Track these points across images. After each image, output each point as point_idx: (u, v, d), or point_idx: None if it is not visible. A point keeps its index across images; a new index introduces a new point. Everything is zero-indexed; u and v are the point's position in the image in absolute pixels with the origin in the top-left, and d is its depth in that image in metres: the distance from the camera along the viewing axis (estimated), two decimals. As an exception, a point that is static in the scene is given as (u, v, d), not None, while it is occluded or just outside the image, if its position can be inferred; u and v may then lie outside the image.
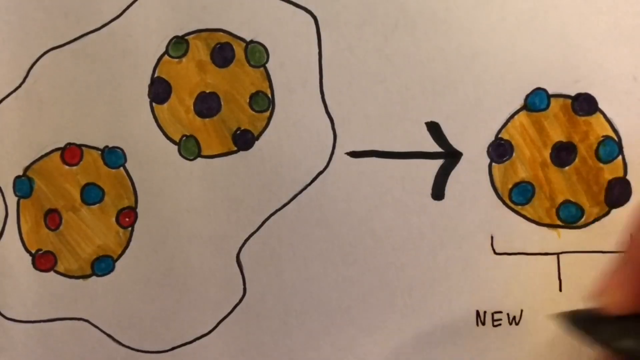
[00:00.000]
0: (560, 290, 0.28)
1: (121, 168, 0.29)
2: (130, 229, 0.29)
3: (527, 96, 0.27)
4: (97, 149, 0.29)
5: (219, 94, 0.28)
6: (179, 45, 0.28)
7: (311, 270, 0.28)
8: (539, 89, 0.27)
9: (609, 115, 0.27)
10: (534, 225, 0.27)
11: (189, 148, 0.28)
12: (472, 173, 0.27)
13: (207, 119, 0.28)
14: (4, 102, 0.29)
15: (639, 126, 0.27)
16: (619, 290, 0.22)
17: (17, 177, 0.29)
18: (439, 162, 0.28)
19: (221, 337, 0.28)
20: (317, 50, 0.28)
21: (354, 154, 0.28)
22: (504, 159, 0.28)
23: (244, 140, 0.28)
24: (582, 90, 0.27)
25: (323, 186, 0.28)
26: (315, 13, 0.28)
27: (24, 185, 0.29)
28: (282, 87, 0.28)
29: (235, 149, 0.28)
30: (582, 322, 0.23)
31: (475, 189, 0.27)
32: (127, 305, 0.29)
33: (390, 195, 0.28)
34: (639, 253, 0.21)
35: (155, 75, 0.28)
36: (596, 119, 0.27)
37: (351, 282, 0.28)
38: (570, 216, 0.27)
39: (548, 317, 0.25)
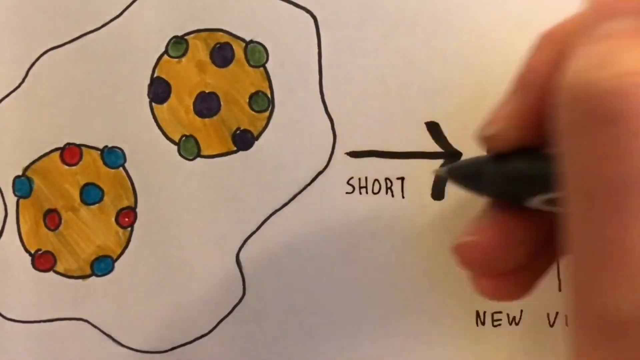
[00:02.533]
0: (560, 290, 0.28)
1: (121, 168, 0.29)
2: (129, 229, 0.29)
3: (527, 96, 0.27)
4: (96, 148, 0.29)
5: (218, 94, 0.28)
6: (178, 45, 0.28)
7: (311, 270, 0.28)
8: (538, 89, 0.27)
9: (608, 115, 0.27)
10: (533, 225, 0.28)
11: (189, 148, 0.28)
12: (472, 173, 0.27)
13: (207, 119, 0.28)
14: (3, 102, 0.28)
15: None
16: (504, 121, 0.20)
17: (17, 177, 0.29)
18: (439, 162, 0.28)
19: (221, 337, 0.28)
20: (317, 50, 0.28)
21: (354, 154, 0.28)
22: (504, 159, 0.28)
23: (243, 140, 0.28)
24: (582, 91, 0.27)
25: (323, 186, 0.28)
26: (315, 13, 0.28)
27: (23, 185, 0.29)
28: (282, 87, 0.28)
29: (235, 149, 0.28)
30: (465, 170, 0.23)
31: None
32: (127, 305, 0.29)
33: (390, 195, 0.28)
34: (531, 79, 0.19)
35: (155, 75, 0.28)
36: (596, 119, 0.27)
37: (351, 282, 0.28)
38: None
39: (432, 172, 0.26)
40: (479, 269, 0.22)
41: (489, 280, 0.20)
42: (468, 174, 0.23)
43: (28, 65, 0.28)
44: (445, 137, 0.28)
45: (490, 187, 0.22)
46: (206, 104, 0.28)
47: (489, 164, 0.22)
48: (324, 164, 0.28)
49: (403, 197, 0.28)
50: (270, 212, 0.28)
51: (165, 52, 0.28)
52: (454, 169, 0.24)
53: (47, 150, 0.29)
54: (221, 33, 0.28)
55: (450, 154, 0.28)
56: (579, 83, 0.15)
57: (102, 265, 0.29)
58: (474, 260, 0.21)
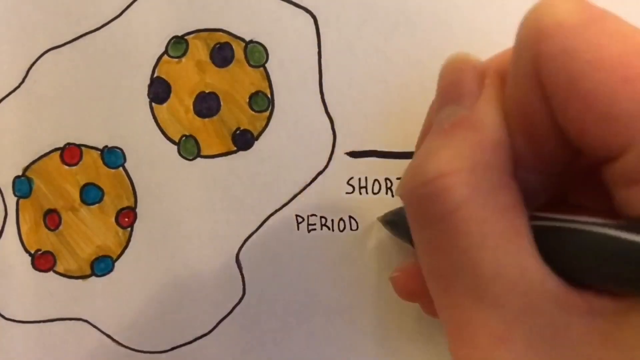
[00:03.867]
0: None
1: (121, 168, 0.29)
2: (129, 229, 0.29)
3: (527, 96, 0.27)
4: (96, 149, 0.29)
5: (218, 94, 0.28)
6: (178, 45, 0.28)
7: (311, 270, 0.28)
8: (538, 89, 0.27)
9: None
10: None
11: (189, 148, 0.28)
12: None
13: (207, 119, 0.28)
14: (3, 102, 0.28)
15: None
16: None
17: (17, 177, 0.29)
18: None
19: (221, 337, 0.28)
20: (316, 50, 0.28)
21: (354, 154, 0.28)
22: (504, 159, 0.28)
23: (243, 140, 0.28)
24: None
25: (323, 186, 0.28)
26: (315, 13, 0.28)
27: (23, 186, 0.29)
28: (282, 87, 0.28)
29: (235, 149, 0.28)
30: (389, 220, 0.26)
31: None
32: (127, 305, 0.29)
33: (390, 196, 0.28)
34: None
35: (155, 75, 0.28)
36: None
37: (351, 282, 0.28)
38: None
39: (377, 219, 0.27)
40: (410, 299, 0.25)
41: (430, 305, 0.21)
42: (389, 224, 0.26)
43: (28, 65, 0.28)
44: (445, 137, 0.28)
45: (402, 236, 0.25)
46: (206, 104, 0.28)
47: (401, 217, 0.24)
48: (324, 164, 0.28)
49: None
50: (270, 212, 0.28)
51: (165, 52, 0.28)
52: (383, 217, 0.27)
53: (47, 150, 0.29)
54: (221, 33, 0.28)
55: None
56: (404, 192, 0.18)
57: (102, 265, 0.29)
58: (404, 292, 0.24)
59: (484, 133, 0.17)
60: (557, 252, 0.16)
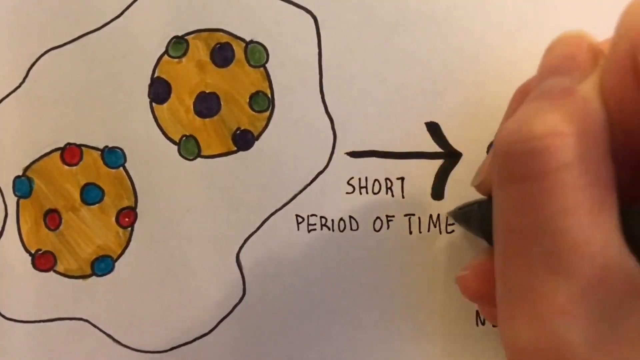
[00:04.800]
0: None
1: (121, 168, 0.29)
2: (130, 229, 0.29)
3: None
4: (96, 149, 0.29)
5: (218, 94, 0.28)
6: (178, 45, 0.28)
7: (311, 270, 0.28)
8: (538, 89, 0.27)
9: (608, 115, 0.27)
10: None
11: (189, 148, 0.28)
12: (472, 173, 0.27)
13: (207, 119, 0.28)
14: (3, 102, 0.28)
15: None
16: (487, 171, 0.23)
17: (17, 177, 0.29)
18: (438, 162, 0.28)
19: (221, 337, 0.28)
20: (317, 50, 0.28)
21: (354, 154, 0.28)
22: (504, 159, 0.28)
23: (243, 140, 0.28)
24: (582, 91, 0.27)
25: (323, 186, 0.28)
26: (315, 13, 0.28)
27: (23, 185, 0.29)
28: (282, 87, 0.28)
29: (235, 149, 0.28)
30: (461, 213, 0.26)
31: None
32: (127, 305, 0.29)
33: (390, 195, 0.28)
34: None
35: (155, 75, 0.28)
36: (596, 119, 0.27)
37: (351, 282, 0.28)
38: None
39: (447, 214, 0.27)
40: (476, 300, 0.24)
41: (492, 308, 0.21)
42: (462, 217, 0.26)
43: (28, 65, 0.28)
44: (445, 137, 0.28)
45: (476, 229, 0.24)
46: (206, 104, 0.28)
47: (474, 209, 0.24)
48: (324, 164, 0.28)
49: (403, 197, 0.28)
50: (270, 212, 0.28)
51: (166, 52, 0.28)
52: (454, 211, 0.27)
53: (48, 150, 0.29)
54: (221, 33, 0.28)
55: (450, 154, 0.28)
56: (503, 144, 0.17)
57: (102, 265, 0.29)
58: (470, 292, 0.24)
59: (593, 107, 0.17)
60: (638, 236, 0.16)
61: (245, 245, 0.28)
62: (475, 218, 0.24)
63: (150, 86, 0.28)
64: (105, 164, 0.29)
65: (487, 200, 0.23)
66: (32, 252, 0.29)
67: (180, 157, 0.28)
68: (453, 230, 0.28)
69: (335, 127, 0.28)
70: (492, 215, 0.18)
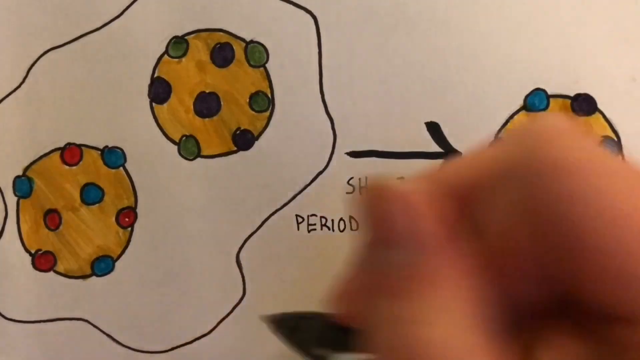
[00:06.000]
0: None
1: (121, 168, 0.29)
2: (130, 229, 0.29)
3: (527, 96, 0.27)
4: (96, 149, 0.29)
5: (218, 94, 0.28)
6: (178, 45, 0.28)
7: (311, 270, 0.28)
8: (538, 89, 0.27)
9: (608, 115, 0.27)
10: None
11: (189, 148, 0.28)
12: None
13: (207, 119, 0.28)
14: (3, 102, 0.28)
15: (637, 126, 0.27)
16: (348, 302, 0.17)
17: (17, 177, 0.29)
18: (439, 162, 0.28)
19: (221, 337, 0.28)
20: (317, 50, 0.28)
21: (354, 154, 0.28)
22: (504, 159, 0.28)
23: (243, 140, 0.28)
24: (582, 91, 0.27)
25: (323, 186, 0.28)
26: (315, 13, 0.28)
27: (23, 185, 0.29)
28: (282, 87, 0.28)
29: (235, 149, 0.28)
30: (285, 325, 0.23)
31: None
32: (127, 305, 0.29)
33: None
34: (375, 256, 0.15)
35: (155, 75, 0.28)
36: (595, 119, 0.27)
37: (351, 282, 0.28)
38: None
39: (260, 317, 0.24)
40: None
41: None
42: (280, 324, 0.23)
43: (28, 65, 0.28)
44: (445, 137, 0.28)
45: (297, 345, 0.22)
46: (206, 104, 0.28)
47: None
48: (324, 164, 0.28)
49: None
50: (270, 212, 0.28)
51: (166, 52, 0.28)
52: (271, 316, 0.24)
53: (48, 150, 0.29)
54: (221, 33, 0.28)
55: (450, 154, 0.28)
56: None
57: (102, 265, 0.29)
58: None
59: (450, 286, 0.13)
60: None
61: (245, 245, 0.28)
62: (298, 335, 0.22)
63: (150, 86, 0.28)
64: (105, 164, 0.29)
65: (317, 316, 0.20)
66: (32, 252, 0.29)
67: (180, 157, 0.28)
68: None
69: (335, 127, 0.28)
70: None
